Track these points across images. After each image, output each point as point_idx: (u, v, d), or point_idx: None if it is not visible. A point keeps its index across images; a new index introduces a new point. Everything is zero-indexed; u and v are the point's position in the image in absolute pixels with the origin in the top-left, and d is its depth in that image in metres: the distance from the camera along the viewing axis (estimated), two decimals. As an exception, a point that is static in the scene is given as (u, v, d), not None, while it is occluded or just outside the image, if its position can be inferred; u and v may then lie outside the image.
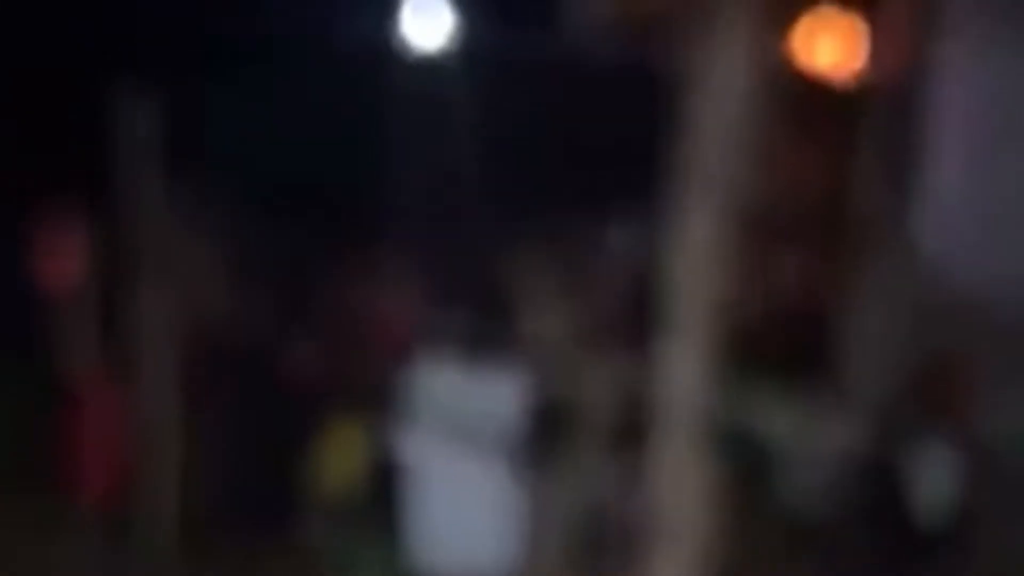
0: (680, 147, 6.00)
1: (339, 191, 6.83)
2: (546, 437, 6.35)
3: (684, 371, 6.10)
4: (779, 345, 6.45)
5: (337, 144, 6.76)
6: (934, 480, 6.32)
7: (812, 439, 6.38)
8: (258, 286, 6.76)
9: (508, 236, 6.76)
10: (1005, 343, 6.39)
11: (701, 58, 5.87)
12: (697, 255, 6.09)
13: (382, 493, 6.40)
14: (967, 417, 6.39)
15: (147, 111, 6.42)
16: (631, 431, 6.14)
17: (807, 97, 6.61)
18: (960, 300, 6.46)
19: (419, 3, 6.89)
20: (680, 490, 5.66)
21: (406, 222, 6.90)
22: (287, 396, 6.59)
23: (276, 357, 6.66)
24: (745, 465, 6.11)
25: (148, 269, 6.54)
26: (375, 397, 6.45)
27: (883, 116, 6.66)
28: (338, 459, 6.56)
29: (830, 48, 6.62)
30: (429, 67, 6.95)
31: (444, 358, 6.45)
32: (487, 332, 6.48)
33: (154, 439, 6.52)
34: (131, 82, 6.28)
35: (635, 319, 6.41)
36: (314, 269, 6.84)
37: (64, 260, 6.45)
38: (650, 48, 6.22)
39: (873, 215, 6.65)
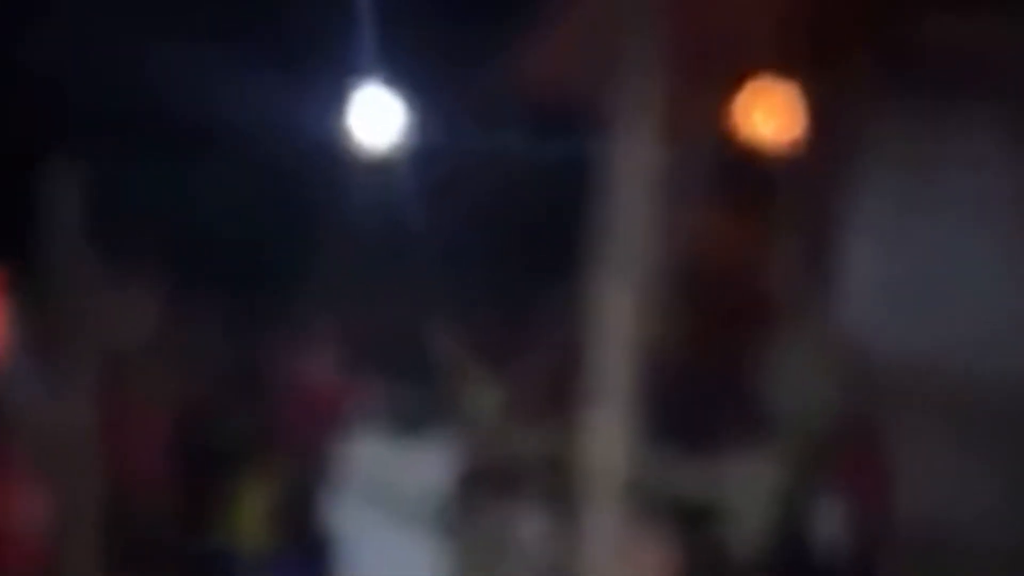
0: (599, 223, 6.18)
1: (275, 267, 6.88)
2: (475, 505, 6.41)
3: (610, 437, 6.23)
4: (701, 406, 6.58)
5: (272, 221, 6.80)
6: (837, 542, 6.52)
7: (739, 494, 6.52)
8: (191, 358, 6.77)
9: (440, 310, 6.86)
10: (919, 413, 6.57)
11: (616, 136, 6.06)
12: (616, 326, 6.24)
13: (308, 559, 6.43)
14: (878, 484, 6.57)
15: (80, 186, 6.45)
16: (561, 498, 6.24)
17: (733, 171, 6.78)
18: (875, 370, 6.64)
19: (367, 97, 6.96)
20: (612, 553, 5.76)
21: (340, 298, 6.96)
22: (215, 463, 6.61)
23: (206, 425, 6.68)
24: (679, 522, 6.23)
25: (74, 340, 6.54)
26: (304, 466, 6.49)
27: (803, 191, 6.85)
28: (259, 523, 6.59)
29: (768, 119, 6.80)
30: (369, 157, 7.03)
31: (374, 428, 6.50)
32: (417, 402, 6.54)
33: (75, 516, 6.47)
34: (64, 158, 6.31)
35: (563, 388, 6.52)
36: (246, 341, 6.88)
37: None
38: (578, 127, 6.37)
39: (791, 287, 6.83)
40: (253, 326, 6.89)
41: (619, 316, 6.30)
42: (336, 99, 6.91)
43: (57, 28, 6.67)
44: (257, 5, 6.51)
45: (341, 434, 6.48)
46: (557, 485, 6.43)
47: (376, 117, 6.93)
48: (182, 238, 6.80)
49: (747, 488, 6.54)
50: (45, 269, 6.58)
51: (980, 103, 6.68)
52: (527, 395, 6.71)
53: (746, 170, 6.79)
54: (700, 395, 6.63)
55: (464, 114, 6.53)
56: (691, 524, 6.34)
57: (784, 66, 6.69)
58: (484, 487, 6.50)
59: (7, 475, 6.12)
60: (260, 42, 6.47)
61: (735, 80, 6.66)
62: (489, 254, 6.84)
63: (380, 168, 6.99)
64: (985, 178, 6.76)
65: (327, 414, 6.61)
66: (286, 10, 6.47)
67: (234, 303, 6.82)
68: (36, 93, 6.56)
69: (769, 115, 6.75)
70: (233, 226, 6.70)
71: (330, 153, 6.89)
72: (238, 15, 6.52)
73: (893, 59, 6.57)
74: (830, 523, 6.57)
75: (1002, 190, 6.77)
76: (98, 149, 6.44)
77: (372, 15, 6.25)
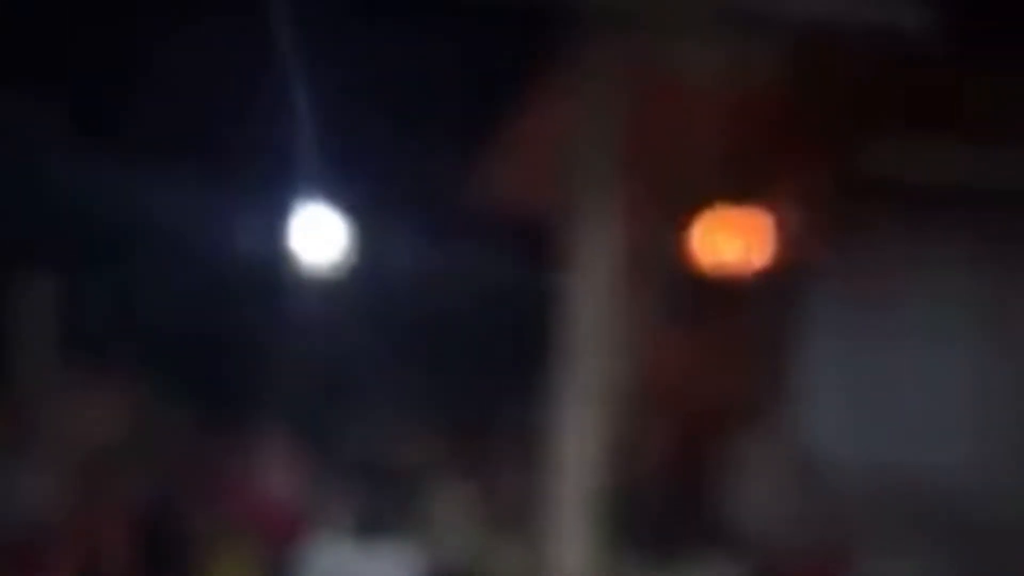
0: (560, 338, 6.29)
1: (230, 375, 6.93)
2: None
3: (572, 548, 6.30)
4: (666, 517, 6.65)
5: (225, 332, 6.86)
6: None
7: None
8: (155, 461, 6.81)
9: (405, 418, 6.93)
10: (883, 527, 6.66)
11: (576, 256, 6.19)
12: (579, 437, 6.33)
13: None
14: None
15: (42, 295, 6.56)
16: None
17: (692, 291, 6.90)
18: (837, 484, 6.73)
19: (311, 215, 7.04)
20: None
21: (303, 406, 7.02)
22: (178, 563, 6.62)
23: (165, 532, 6.70)
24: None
25: (45, 444, 6.60)
26: (267, 570, 6.52)
27: (764, 311, 6.97)
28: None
29: (727, 245, 6.94)
30: (314, 265, 7.11)
31: (338, 533, 6.54)
32: (381, 508, 6.60)
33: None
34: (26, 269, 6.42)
35: (526, 498, 6.60)
36: (204, 448, 6.92)
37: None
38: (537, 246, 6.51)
39: (751, 402, 6.93)
40: (213, 432, 6.93)
41: (580, 427, 6.39)
42: (282, 216, 7.00)
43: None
44: (203, 120, 6.61)
45: (303, 539, 6.53)
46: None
47: (321, 236, 7.02)
48: (145, 346, 6.86)
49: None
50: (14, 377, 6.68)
51: (941, 230, 6.83)
52: (491, 504, 6.77)
53: (705, 290, 6.92)
54: (662, 507, 6.71)
55: (416, 232, 6.65)
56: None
57: (743, 193, 6.85)
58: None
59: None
60: (206, 158, 6.57)
61: (693, 205, 6.80)
62: (453, 367, 6.94)
63: (329, 286, 7.07)
64: (945, 297, 6.89)
65: (288, 520, 6.64)
66: (229, 126, 6.56)
67: (195, 406, 6.87)
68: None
69: (728, 240, 6.91)
70: (189, 335, 6.76)
71: (277, 270, 6.98)
72: (183, 131, 6.61)
73: (853, 186, 6.73)
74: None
75: (962, 308, 6.91)
76: (62, 261, 6.56)
77: (316, 131, 6.35)
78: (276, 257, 6.98)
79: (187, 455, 6.86)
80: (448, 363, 6.92)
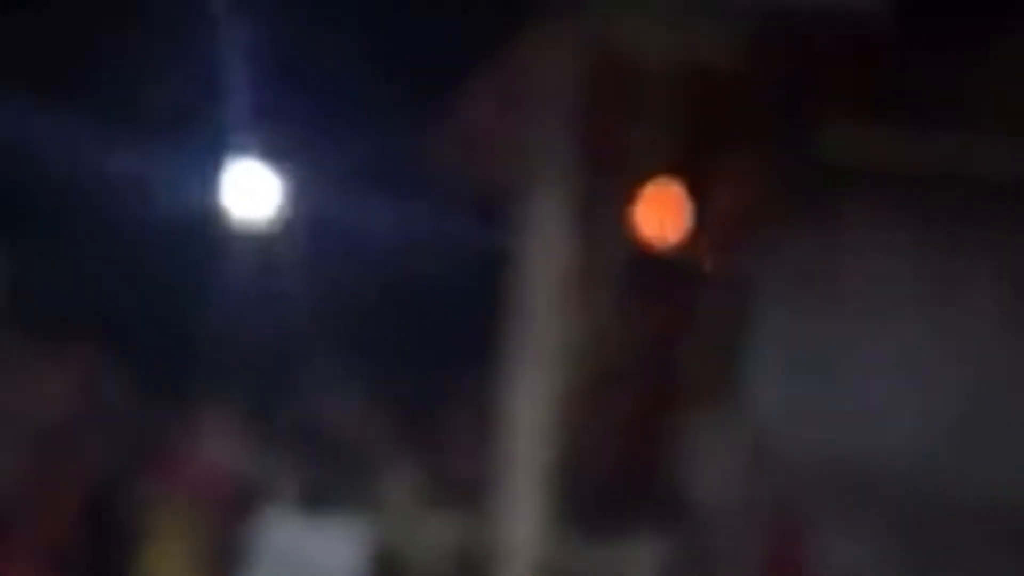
0: (511, 309, 6.32)
1: (174, 345, 6.89)
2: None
3: (522, 523, 6.33)
4: (616, 493, 6.68)
5: (164, 301, 6.82)
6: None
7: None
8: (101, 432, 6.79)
9: (351, 392, 6.93)
10: (835, 499, 6.71)
11: (526, 224, 6.23)
12: (528, 412, 6.36)
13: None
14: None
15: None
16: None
17: (643, 264, 6.93)
18: (788, 461, 6.77)
19: (244, 169, 7.00)
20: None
21: (242, 376, 6.98)
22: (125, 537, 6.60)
23: (115, 498, 6.68)
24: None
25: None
26: (213, 543, 6.51)
27: (717, 287, 7.03)
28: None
29: (667, 220, 6.98)
30: (256, 232, 7.08)
31: (286, 509, 6.54)
32: (328, 484, 6.60)
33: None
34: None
35: (475, 473, 6.61)
36: (151, 416, 6.89)
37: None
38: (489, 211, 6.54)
39: (702, 377, 6.96)
40: (157, 402, 6.89)
41: (531, 403, 6.42)
42: (219, 181, 6.96)
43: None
44: (129, 78, 6.54)
45: (251, 515, 6.52)
46: (469, 569, 6.50)
47: (263, 205, 6.99)
48: (85, 318, 6.82)
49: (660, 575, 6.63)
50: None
51: (889, 215, 6.89)
52: (440, 478, 6.78)
53: (657, 268, 6.96)
54: (613, 483, 6.72)
55: (364, 199, 6.64)
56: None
57: (694, 174, 6.90)
58: (395, 570, 6.55)
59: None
60: (133, 116, 6.52)
61: (644, 181, 6.83)
62: (399, 337, 6.92)
63: (276, 256, 7.05)
64: (891, 281, 6.95)
65: (233, 491, 6.63)
66: (159, 84, 6.50)
67: (138, 378, 6.83)
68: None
69: (675, 218, 6.97)
70: (128, 304, 6.71)
71: (221, 237, 6.95)
72: (113, 90, 6.55)
73: (803, 170, 6.78)
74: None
75: (908, 292, 6.96)
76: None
77: (254, 87, 6.32)
78: (219, 225, 6.95)
79: (131, 427, 6.83)
80: (397, 335, 6.91)
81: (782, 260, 6.90)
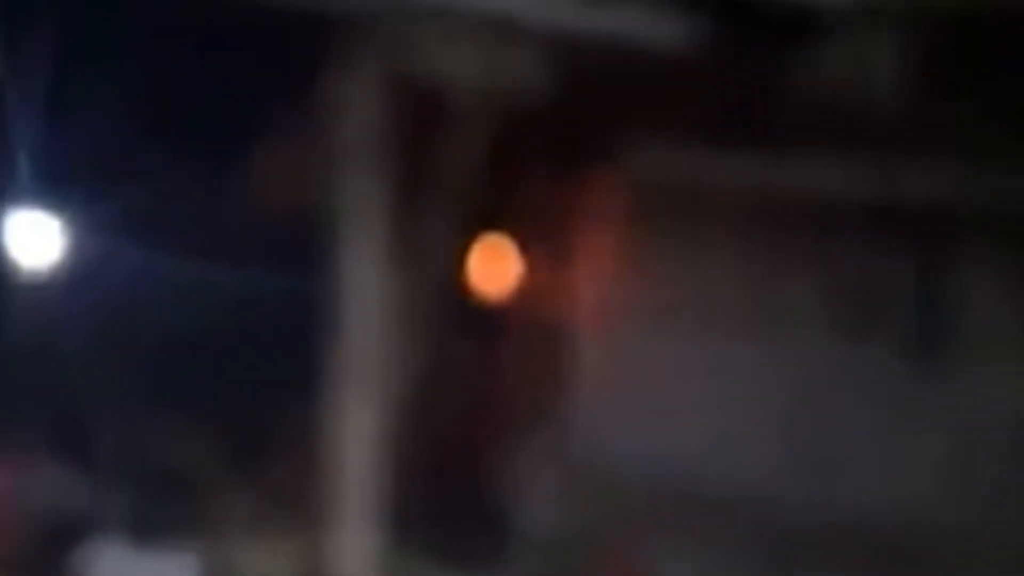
0: (332, 332, 6.38)
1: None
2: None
3: (356, 552, 6.39)
4: (447, 514, 6.74)
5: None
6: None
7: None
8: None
9: (181, 421, 6.98)
10: (666, 527, 6.75)
11: (340, 254, 6.30)
12: (353, 435, 6.43)
13: None
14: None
15: None
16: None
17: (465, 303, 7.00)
18: (613, 475, 6.81)
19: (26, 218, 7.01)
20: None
21: (58, 411, 7.00)
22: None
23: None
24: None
25: None
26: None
27: (536, 314, 7.10)
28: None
29: (493, 272, 7.07)
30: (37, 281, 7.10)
31: (112, 540, 6.60)
32: (158, 513, 6.66)
33: None
34: None
35: (309, 501, 6.67)
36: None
37: None
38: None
39: (529, 402, 7.02)
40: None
41: (357, 427, 6.48)
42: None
43: None
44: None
45: (76, 547, 6.59)
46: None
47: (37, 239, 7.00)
48: None
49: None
50: None
51: (711, 231, 6.91)
52: (268, 504, 6.84)
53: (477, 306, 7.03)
54: (447, 509, 6.78)
55: (175, 226, 6.67)
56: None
57: (504, 207, 6.96)
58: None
59: None
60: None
61: (455, 217, 6.87)
62: (223, 367, 6.98)
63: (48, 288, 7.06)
64: (721, 302, 6.96)
65: (56, 528, 6.68)
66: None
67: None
68: None
69: (489, 259, 7.05)
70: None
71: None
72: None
73: (623, 196, 6.82)
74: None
75: (737, 313, 6.98)
76: None
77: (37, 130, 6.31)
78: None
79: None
80: (218, 362, 6.96)
81: (605, 284, 6.94)
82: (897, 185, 6.86)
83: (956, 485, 6.76)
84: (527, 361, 7.00)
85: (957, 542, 6.63)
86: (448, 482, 6.84)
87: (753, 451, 6.81)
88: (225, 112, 6.54)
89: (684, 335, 6.90)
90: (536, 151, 6.64)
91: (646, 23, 6.31)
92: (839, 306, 6.97)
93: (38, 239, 7.03)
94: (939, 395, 6.91)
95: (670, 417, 6.86)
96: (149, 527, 6.62)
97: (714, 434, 6.81)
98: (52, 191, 6.74)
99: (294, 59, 6.35)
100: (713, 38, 6.39)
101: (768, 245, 6.93)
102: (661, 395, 6.90)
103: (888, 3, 6.90)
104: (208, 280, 6.71)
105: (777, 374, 6.93)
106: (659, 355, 6.91)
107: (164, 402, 6.90)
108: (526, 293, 6.97)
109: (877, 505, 6.65)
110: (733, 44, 6.36)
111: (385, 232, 6.42)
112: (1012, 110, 6.77)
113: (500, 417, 6.97)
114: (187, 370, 6.88)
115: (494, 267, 6.97)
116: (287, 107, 6.64)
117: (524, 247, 6.91)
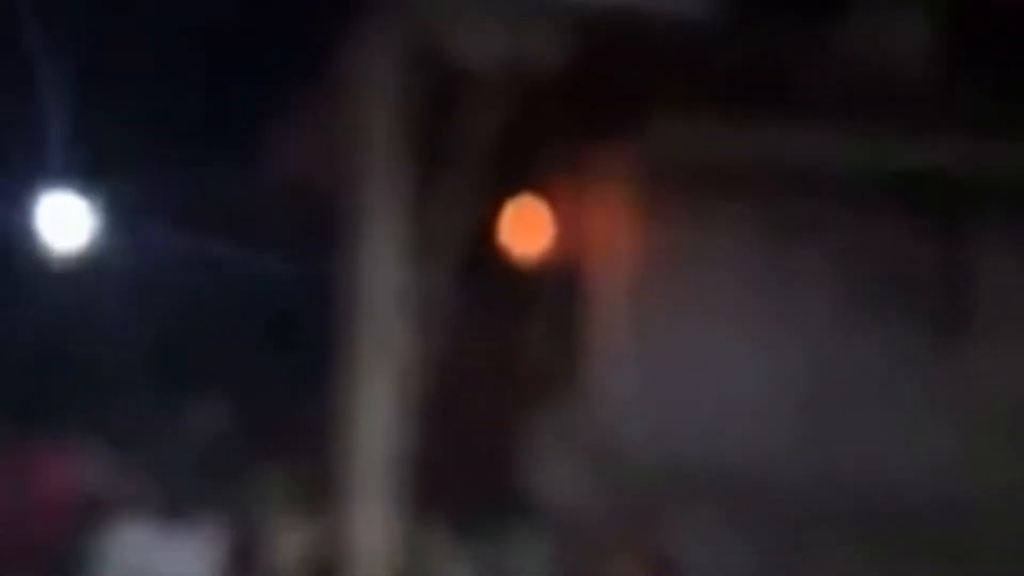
0: (353, 320, 6.36)
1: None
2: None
3: (376, 528, 6.39)
4: (467, 491, 6.75)
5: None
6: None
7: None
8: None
9: (200, 400, 7.00)
10: (678, 492, 6.75)
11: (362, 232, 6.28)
12: (374, 412, 6.41)
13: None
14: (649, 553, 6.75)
15: None
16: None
17: (487, 274, 6.98)
18: (631, 449, 6.82)
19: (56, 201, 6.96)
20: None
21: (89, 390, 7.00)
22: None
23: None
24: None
25: None
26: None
27: (557, 286, 7.07)
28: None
29: (525, 233, 7.07)
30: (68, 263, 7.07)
31: (137, 518, 6.61)
32: (183, 492, 6.68)
33: None
34: None
35: (329, 480, 6.68)
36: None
37: None
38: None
39: (547, 380, 7.02)
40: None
41: (378, 404, 6.47)
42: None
43: None
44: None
45: (103, 523, 6.62)
46: (325, 571, 6.58)
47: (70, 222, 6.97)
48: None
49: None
50: None
51: (729, 203, 6.88)
52: (291, 481, 6.85)
53: (502, 271, 7.00)
54: (464, 481, 6.79)
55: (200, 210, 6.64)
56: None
57: (531, 177, 6.92)
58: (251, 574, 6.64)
59: None
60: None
61: (481, 188, 6.83)
62: (247, 347, 6.97)
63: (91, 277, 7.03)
64: (738, 275, 6.95)
65: (85, 504, 6.70)
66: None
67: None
68: None
69: (524, 228, 7.02)
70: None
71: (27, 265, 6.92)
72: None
73: (644, 170, 6.79)
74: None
75: (753, 286, 6.97)
76: None
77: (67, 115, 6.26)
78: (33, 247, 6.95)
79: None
80: (242, 343, 6.96)
81: (630, 261, 6.92)
82: (920, 158, 6.84)
83: (975, 463, 6.80)
84: (549, 335, 7.00)
85: (976, 518, 6.67)
86: (469, 461, 6.83)
87: (771, 431, 6.82)
88: (248, 93, 6.49)
89: (702, 313, 6.90)
90: (559, 122, 6.59)
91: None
92: (859, 281, 6.98)
93: (70, 222, 7.01)
94: (959, 374, 6.94)
95: (687, 395, 6.85)
96: (171, 504, 6.63)
97: (732, 413, 6.82)
98: (82, 174, 6.72)
99: (321, 34, 6.30)
100: (735, 11, 6.33)
101: (788, 216, 6.92)
102: (678, 374, 6.89)
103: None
104: (241, 262, 6.70)
105: (797, 349, 6.94)
106: (679, 333, 6.90)
107: (188, 386, 6.92)
108: (555, 257, 6.97)
109: (895, 484, 6.67)
110: (755, 16, 6.32)
111: (409, 208, 6.37)
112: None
113: (520, 396, 6.96)
114: (215, 350, 6.89)
115: (526, 230, 6.96)
116: (311, 85, 6.59)
117: (552, 211, 6.91)
